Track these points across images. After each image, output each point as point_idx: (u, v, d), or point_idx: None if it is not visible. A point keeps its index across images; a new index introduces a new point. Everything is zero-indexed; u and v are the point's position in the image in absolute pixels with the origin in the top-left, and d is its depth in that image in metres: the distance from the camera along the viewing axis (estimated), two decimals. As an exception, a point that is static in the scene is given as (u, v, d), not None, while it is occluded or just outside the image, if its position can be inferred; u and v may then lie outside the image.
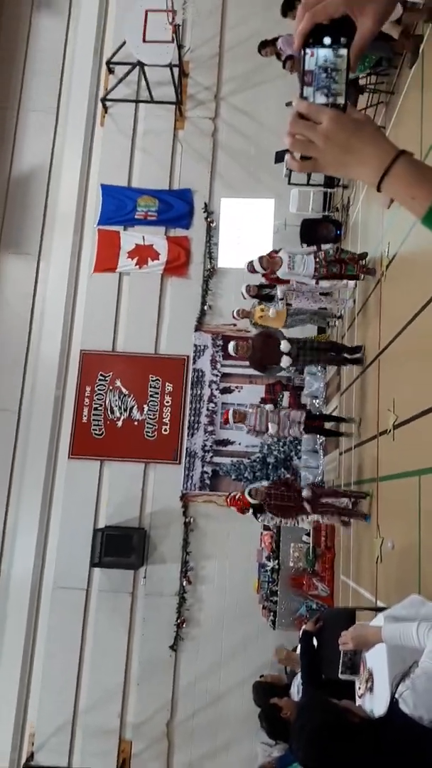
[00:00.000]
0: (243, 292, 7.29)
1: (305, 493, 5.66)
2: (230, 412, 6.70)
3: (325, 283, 6.99)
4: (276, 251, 6.82)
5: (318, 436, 8.25)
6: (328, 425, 7.37)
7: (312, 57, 0.92)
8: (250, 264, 6.86)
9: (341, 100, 0.93)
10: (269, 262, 6.67)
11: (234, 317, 7.93)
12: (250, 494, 5.82)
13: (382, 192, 0.96)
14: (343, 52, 0.91)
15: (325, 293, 7.41)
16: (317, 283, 6.78)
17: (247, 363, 9.16)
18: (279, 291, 7.16)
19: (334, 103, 0.92)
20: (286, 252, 6.70)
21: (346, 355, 6.45)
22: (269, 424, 6.51)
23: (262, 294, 7.41)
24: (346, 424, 6.67)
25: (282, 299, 7.31)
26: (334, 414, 7.49)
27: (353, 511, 5.70)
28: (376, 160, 0.93)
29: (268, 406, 6.83)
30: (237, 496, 6.25)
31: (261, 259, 6.73)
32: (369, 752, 1.81)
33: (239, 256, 9.47)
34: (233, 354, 6.81)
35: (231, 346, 6.71)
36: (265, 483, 6.37)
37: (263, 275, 7.03)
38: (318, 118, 0.93)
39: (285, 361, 6.24)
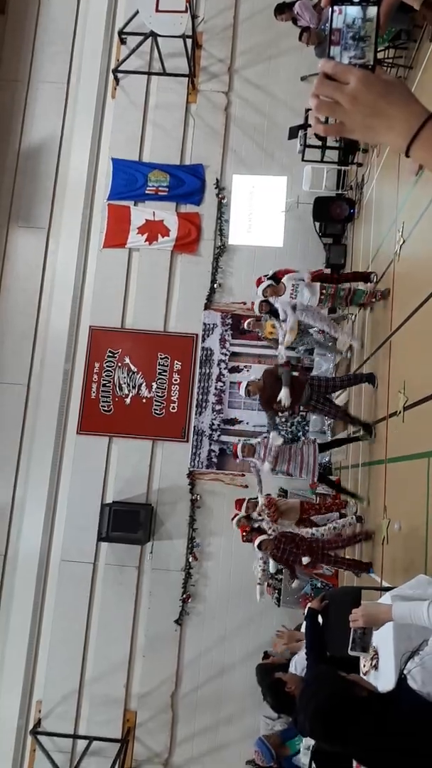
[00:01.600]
0: (255, 309, 7.24)
1: (305, 560, 5.61)
2: (239, 446, 6.40)
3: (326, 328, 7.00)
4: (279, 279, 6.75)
5: (326, 418, 8.20)
6: (337, 394, 7.32)
7: (340, 15, 0.88)
8: (258, 299, 6.94)
9: (370, 61, 0.89)
10: (273, 290, 6.68)
11: (246, 327, 7.95)
12: (259, 547, 5.74)
13: (411, 157, 0.91)
14: (373, 10, 0.87)
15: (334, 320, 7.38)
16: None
17: (256, 342, 9.18)
18: (280, 309, 6.96)
19: (362, 63, 0.88)
20: (290, 279, 6.63)
21: (351, 432, 6.36)
22: (273, 435, 6.36)
23: (275, 310, 7.34)
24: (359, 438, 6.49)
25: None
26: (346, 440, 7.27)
27: (356, 563, 5.69)
28: (404, 123, 0.89)
29: (278, 441, 6.38)
30: (240, 525, 6.27)
31: (265, 290, 6.76)
32: (375, 725, 1.83)
33: (250, 234, 9.41)
34: (245, 396, 6.61)
35: (242, 389, 6.42)
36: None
37: (278, 273, 7.01)
38: (345, 78, 0.88)
39: (284, 394, 5.89)
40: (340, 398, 7.59)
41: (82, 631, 8.76)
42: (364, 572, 5.56)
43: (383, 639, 2.86)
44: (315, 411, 6.71)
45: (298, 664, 4.52)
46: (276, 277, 7.00)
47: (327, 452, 7.51)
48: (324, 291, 6.49)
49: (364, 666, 3.12)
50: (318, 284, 6.58)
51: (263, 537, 5.77)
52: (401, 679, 1.86)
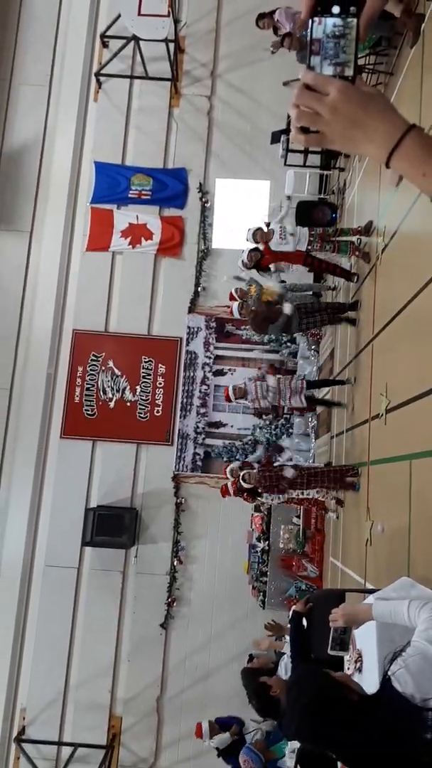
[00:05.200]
0: (244, 259, 7.13)
1: (288, 473, 5.71)
2: (230, 388, 6.72)
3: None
4: (267, 224, 6.84)
5: (310, 419, 8.28)
6: (323, 393, 7.42)
7: (320, 25, 0.88)
8: (246, 251, 6.86)
9: (350, 71, 0.89)
10: (262, 235, 6.66)
11: (232, 296, 7.90)
12: (243, 479, 5.85)
13: (391, 169, 0.92)
14: (352, 21, 0.88)
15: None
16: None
17: (240, 345, 9.21)
18: (271, 273, 7.14)
19: (342, 74, 0.89)
20: (277, 224, 6.70)
21: (339, 315, 6.48)
22: (269, 378, 6.55)
23: (259, 267, 7.34)
24: (343, 381, 6.67)
25: (275, 272, 7.31)
26: (329, 395, 7.49)
27: (342, 480, 5.76)
28: (385, 135, 0.90)
29: (271, 380, 6.76)
30: (229, 485, 6.29)
31: (255, 234, 6.71)
32: (360, 725, 1.83)
33: (234, 238, 9.43)
34: (237, 315, 6.79)
35: (235, 306, 6.69)
36: (258, 453, 6.42)
37: (263, 261, 7.00)
38: (325, 89, 0.88)
39: (288, 308, 6.22)
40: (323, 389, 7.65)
41: (66, 637, 8.70)
42: (351, 488, 5.58)
43: (367, 641, 2.88)
44: (308, 327, 6.76)
45: (287, 668, 4.53)
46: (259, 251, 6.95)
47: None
48: (313, 233, 6.56)
49: (348, 669, 3.14)
50: (306, 228, 6.65)
51: (246, 470, 5.89)
52: (385, 681, 1.87)
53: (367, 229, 6.14)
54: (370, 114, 0.89)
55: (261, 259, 6.87)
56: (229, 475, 6.41)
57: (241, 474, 5.90)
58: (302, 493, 5.97)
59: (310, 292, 7.70)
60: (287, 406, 7.23)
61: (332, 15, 0.88)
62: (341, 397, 6.83)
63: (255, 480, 5.83)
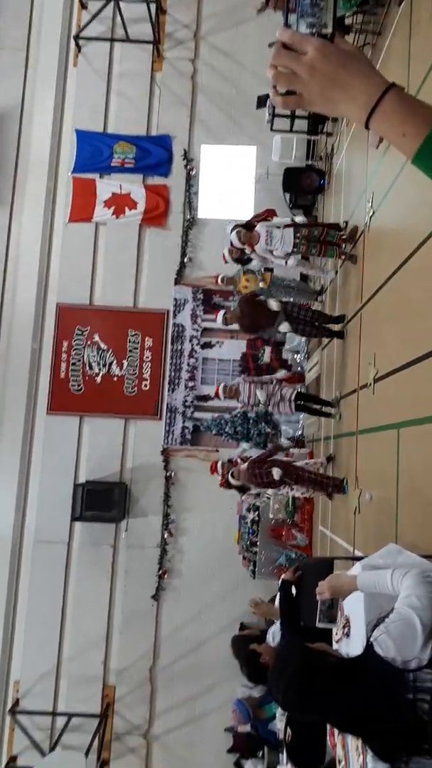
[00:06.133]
0: (225, 254, 7.10)
1: (275, 474, 5.65)
2: (221, 387, 6.65)
3: (300, 268, 6.93)
4: (257, 217, 6.67)
5: (299, 389, 8.23)
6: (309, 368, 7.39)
7: None
8: (230, 243, 6.74)
9: (328, 29, 0.88)
10: (246, 236, 6.54)
11: (218, 284, 7.81)
12: (232, 475, 5.81)
13: (371, 129, 0.89)
14: None
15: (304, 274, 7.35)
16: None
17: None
18: (256, 261, 6.95)
19: (320, 32, 0.86)
20: (264, 226, 6.53)
21: (330, 326, 6.39)
22: (258, 392, 6.50)
23: (244, 258, 7.25)
24: (331, 404, 6.63)
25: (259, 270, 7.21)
26: (320, 400, 7.38)
27: (329, 481, 5.75)
28: (364, 94, 0.87)
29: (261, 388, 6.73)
30: (220, 471, 6.27)
31: (239, 233, 6.57)
32: (345, 691, 1.87)
33: (220, 206, 9.27)
34: (223, 326, 6.72)
35: (219, 318, 6.61)
36: (244, 446, 6.36)
37: (249, 245, 6.88)
38: (303, 47, 0.86)
39: (285, 326, 6.13)
40: (311, 372, 7.61)
41: (58, 610, 8.76)
42: (338, 491, 5.60)
43: (355, 607, 2.89)
44: (296, 333, 6.73)
45: (275, 635, 4.57)
46: (250, 224, 6.83)
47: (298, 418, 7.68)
48: (298, 234, 6.44)
49: (336, 634, 3.16)
50: (291, 229, 6.52)
51: (234, 468, 5.85)
52: (368, 646, 1.89)
53: (352, 237, 5.98)
54: (349, 73, 0.87)
55: (244, 256, 6.77)
56: (219, 469, 6.42)
57: (230, 472, 5.84)
58: (291, 489, 5.98)
59: (296, 288, 7.51)
60: (275, 413, 7.12)
61: None
62: (330, 376, 6.78)
63: (244, 477, 5.79)
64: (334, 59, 0.86)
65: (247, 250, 6.64)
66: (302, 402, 6.75)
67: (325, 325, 6.37)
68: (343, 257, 6.14)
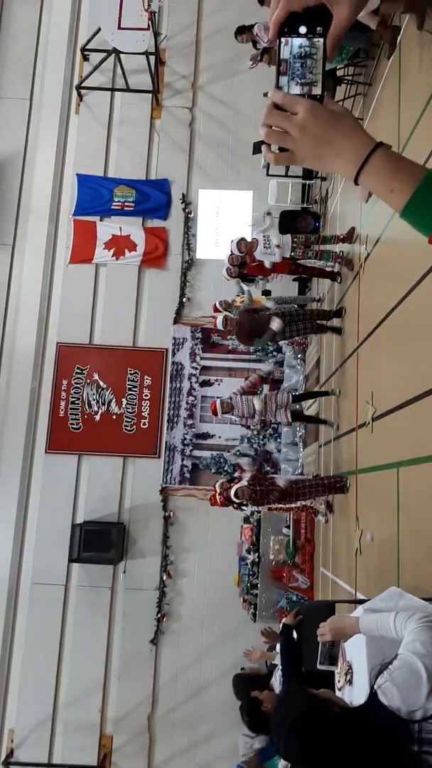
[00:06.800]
0: (224, 273, 7.21)
1: (281, 482, 5.66)
2: (217, 403, 6.66)
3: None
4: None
5: (298, 428, 8.26)
6: (309, 404, 7.41)
7: (287, 46, 0.90)
8: (230, 252, 6.88)
9: (317, 91, 0.91)
10: (246, 244, 6.67)
11: (216, 308, 7.89)
12: (236, 495, 5.78)
13: (360, 185, 0.93)
14: (319, 41, 0.90)
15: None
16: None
17: (226, 355, 9.18)
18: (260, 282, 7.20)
19: (310, 93, 0.91)
20: (259, 232, 6.72)
21: (324, 322, 6.47)
22: (255, 401, 6.51)
23: (243, 275, 7.36)
24: (326, 421, 6.69)
25: (262, 280, 7.36)
26: (315, 411, 7.48)
27: (331, 481, 5.73)
28: (353, 152, 0.92)
29: (256, 400, 6.76)
30: (217, 497, 6.23)
31: (239, 243, 6.72)
32: (349, 742, 1.81)
33: (218, 248, 9.44)
34: (221, 328, 6.74)
35: (219, 320, 6.64)
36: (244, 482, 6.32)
37: (245, 266, 7.01)
38: (294, 108, 0.91)
39: (276, 323, 6.20)
40: (309, 410, 7.62)
41: (54, 655, 8.54)
42: (341, 492, 5.53)
43: (357, 653, 2.83)
44: (293, 335, 6.75)
45: (279, 680, 4.47)
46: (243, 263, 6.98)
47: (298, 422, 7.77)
48: (296, 240, 6.58)
49: (339, 681, 3.09)
50: (289, 235, 6.66)
51: (238, 486, 5.78)
52: (372, 694, 1.85)
53: (350, 236, 6.16)
54: (338, 132, 0.92)
55: (245, 265, 6.89)
56: (218, 488, 6.36)
57: (233, 491, 5.81)
58: (291, 503, 5.94)
59: (296, 305, 7.71)
60: (273, 421, 7.20)
61: (299, 35, 0.90)
62: (328, 409, 6.81)
63: (246, 495, 5.76)
64: (324, 119, 0.91)
65: (245, 257, 6.77)
66: (299, 407, 6.79)
67: (322, 321, 6.45)
68: (339, 261, 6.27)
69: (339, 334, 6.29)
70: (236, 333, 6.56)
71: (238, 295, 7.46)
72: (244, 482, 5.80)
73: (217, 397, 6.81)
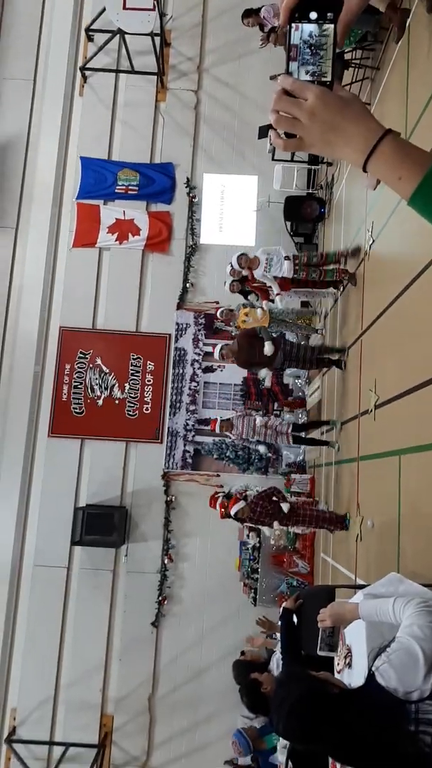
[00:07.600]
0: (226, 288, 7.25)
1: (285, 507, 5.67)
2: (217, 422, 6.75)
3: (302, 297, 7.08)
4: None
5: (300, 414, 8.27)
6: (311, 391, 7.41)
7: (297, 31, 0.90)
8: (230, 266, 6.88)
9: (327, 77, 0.91)
10: (247, 261, 6.65)
11: (217, 318, 7.90)
12: (237, 515, 5.81)
13: (368, 172, 0.93)
14: (330, 27, 0.89)
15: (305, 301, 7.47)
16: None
17: (229, 341, 9.14)
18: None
19: (319, 80, 0.90)
20: (264, 252, 6.66)
21: (329, 357, 6.43)
22: (257, 420, 6.57)
23: (245, 291, 7.36)
24: (328, 427, 6.69)
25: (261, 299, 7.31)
26: (316, 434, 7.40)
27: (332, 516, 5.75)
28: (361, 139, 0.91)
29: (258, 420, 6.73)
30: (220, 503, 6.26)
31: (240, 258, 6.70)
32: (347, 722, 1.84)
33: (222, 233, 9.40)
34: (219, 359, 6.83)
35: (216, 352, 6.72)
36: (249, 493, 6.37)
37: (247, 282, 7.02)
38: (303, 94, 0.90)
39: (268, 348, 6.17)
40: (312, 397, 7.63)
41: (56, 636, 8.65)
42: (340, 528, 5.56)
43: (357, 637, 2.87)
44: (292, 366, 6.79)
45: (279, 663, 4.52)
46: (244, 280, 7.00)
47: (299, 446, 7.81)
48: (297, 261, 6.55)
49: (338, 664, 3.13)
50: (291, 254, 6.65)
51: (238, 505, 5.79)
52: (370, 676, 1.88)
53: (354, 254, 6.08)
54: (347, 119, 0.91)
55: (246, 280, 6.88)
56: (218, 502, 6.42)
57: (233, 512, 5.82)
58: (292, 526, 5.99)
59: (292, 321, 7.65)
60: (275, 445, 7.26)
61: (310, 21, 0.89)
62: (330, 407, 6.81)
63: (246, 515, 5.79)
64: (333, 106, 0.91)
65: (245, 273, 6.75)
66: (300, 434, 6.81)
67: (324, 356, 6.43)
68: (344, 276, 6.21)
69: (342, 368, 6.16)
70: (236, 359, 6.53)
71: (243, 305, 7.41)
72: (242, 503, 5.80)
73: (219, 417, 6.95)
